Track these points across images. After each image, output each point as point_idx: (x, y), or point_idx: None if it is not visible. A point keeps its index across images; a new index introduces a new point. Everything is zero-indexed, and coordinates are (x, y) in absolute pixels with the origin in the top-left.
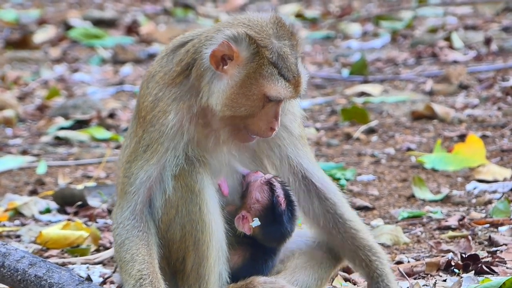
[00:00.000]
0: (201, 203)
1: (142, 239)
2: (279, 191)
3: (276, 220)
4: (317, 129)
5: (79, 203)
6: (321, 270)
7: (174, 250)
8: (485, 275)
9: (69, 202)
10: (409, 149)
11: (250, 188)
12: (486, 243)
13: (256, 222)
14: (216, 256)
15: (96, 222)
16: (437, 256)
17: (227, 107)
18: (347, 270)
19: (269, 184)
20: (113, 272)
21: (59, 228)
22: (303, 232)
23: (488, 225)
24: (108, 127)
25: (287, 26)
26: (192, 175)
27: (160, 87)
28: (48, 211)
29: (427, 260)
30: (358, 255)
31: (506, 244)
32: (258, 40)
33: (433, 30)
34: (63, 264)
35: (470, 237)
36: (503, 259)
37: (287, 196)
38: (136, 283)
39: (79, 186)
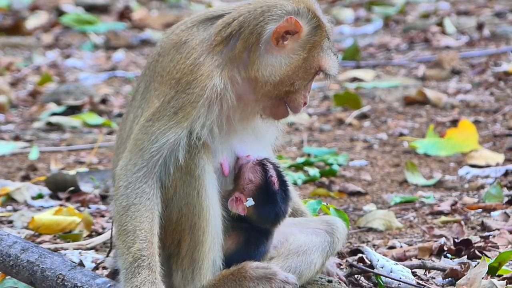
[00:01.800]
0: (199, 188)
1: (148, 209)
2: (272, 171)
3: (270, 200)
4: (310, 115)
5: (72, 188)
6: (313, 256)
7: (170, 231)
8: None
9: (62, 188)
10: (401, 134)
11: (242, 170)
12: (478, 228)
13: (250, 202)
14: (212, 242)
15: (89, 208)
16: (430, 241)
17: (282, 81)
18: (341, 256)
19: (262, 164)
20: (106, 256)
21: (52, 214)
22: (297, 219)
23: (480, 210)
24: (100, 113)
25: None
26: (195, 159)
27: (199, 52)
28: (40, 196)
29: (420, 245)
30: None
31: (498, 229)
32: (317, 14)
33: (426, 16)
34: (56, 250)
35: (462, 222)
36: (496, 244)
37: (280, 176)
38: (134, 262)
39: (72, 172)
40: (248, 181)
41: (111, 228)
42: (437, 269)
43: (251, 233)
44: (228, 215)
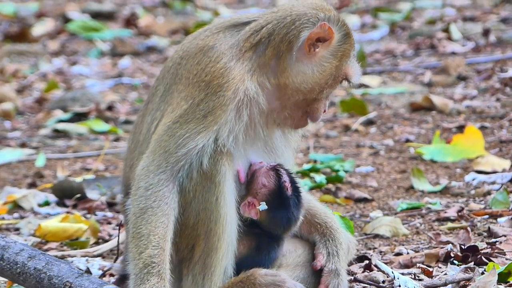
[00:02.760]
0: (219, 194)
1: (165, 214)
2: (285, 177)
3: (283, 205)
4: None
5: (78, 195)
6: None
7: (185, 235)
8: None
9: (68, 195)
10: (407, 141)
11: (256, 175)
12: (485, 234)
13: (263, 206)
14: (226, 250)
15: (95, 215)
16: (436, 247)
17: (312, 89)
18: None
19: (275, 170)
20: (114, 262)
21: (58, 221)
22: None
23: (487, 216)
24: (106, 120)
25: None
26: (217, 165)
27: (229, 57)
28: (47, 203)
29: (426, 251)
30: (314, 220)
31: (505, 235)
32: (345, 22)
33: (432, 22)
34: (62, 257)
35: (469, 228)
36: (502, 250)
37: (293, 182)
38: (144, 268)
39: (78, 179)
40: (262, 185)
41: (118, 235)
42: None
43: (263, 239)
44: (241, 220)
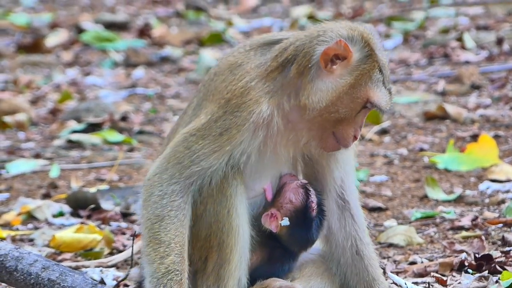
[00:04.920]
0: (230, 207)
1: (183, 225)
2: (313, 197)
3: (305, 225)
4: None
5: (92, 206)
6: (337, 282)
7: (198, 248)
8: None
9: (82, 205)
10: (421, 150)
11: (285, 188)
12: (499, 243)
13: (285, 222)
14: (238, 261)
15: (109, 225)
16: (451, 256)
17: (327, 107)
18: None
19: (305, 188)
20: (126, 276)
21: (72, 232)
22: None
23: (501, 224)
24: (120, 130)
25: (382, 43)
26: (228, 179)
27: (252, 76)
28: (61, 214)
29: (441, 260)
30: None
31: None
32: (371, 44)
33: (445, 31)
34: (77, 268)
35: (483, 237)
36: None
37: (319, 204)
38: (168, 274)
39: (92, 189)
40: (288, 200)
41: (132, 246)
42: None
43: (277, 251)
44: (259, 229)
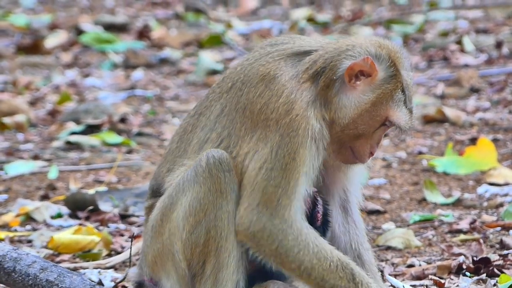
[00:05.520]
0: (230, 211)
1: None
2: (320, 207)
3: None
4: None
5: (91, 207)
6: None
7: (197, 253)
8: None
9: (81, 207)
10: (420, 153)
11: None
12: (497, 246)
13: None
14: (236, 266)
15: (108, 227)
16: (449, 259)
17: (348, 124)
18: None
19: (313, 197)
20: (125, 277)
21: (71, 233)
22: None
23: (499, 228)
24: (119, 132)
25: (410, 61)
26: (230, 183)
27: (289, 89)
28: (59, 216)
29: (439, 263)
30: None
31: None
32: (397, 64)
33: (444, 34)
34: (75, 269)
35: (481, 240)
36: None
37: (325, 214)
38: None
39: (91, 191)
40: None
41: (130, 247)
42: None
43: None
44: None
